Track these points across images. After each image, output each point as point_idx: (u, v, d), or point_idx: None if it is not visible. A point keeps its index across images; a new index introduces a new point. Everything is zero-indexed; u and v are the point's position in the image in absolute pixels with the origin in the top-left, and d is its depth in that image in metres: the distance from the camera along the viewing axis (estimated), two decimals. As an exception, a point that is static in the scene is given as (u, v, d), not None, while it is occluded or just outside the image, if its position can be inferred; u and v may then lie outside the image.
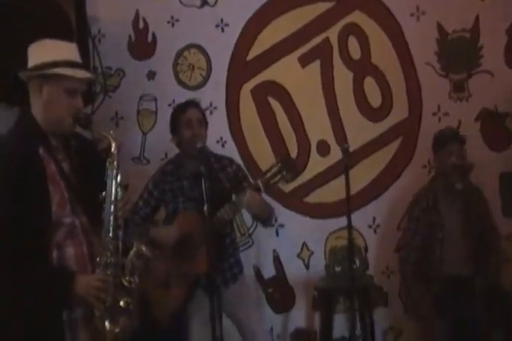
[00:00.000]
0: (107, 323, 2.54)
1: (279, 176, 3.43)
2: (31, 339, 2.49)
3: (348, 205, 3.36)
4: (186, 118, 3.63)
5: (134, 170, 4.38)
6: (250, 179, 3.69)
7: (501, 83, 4.15)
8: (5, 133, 2.63)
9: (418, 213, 3.94)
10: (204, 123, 3.69)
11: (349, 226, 3.36)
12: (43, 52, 2.58)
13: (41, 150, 2.55)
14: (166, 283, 3.61)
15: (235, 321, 3.75)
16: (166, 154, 4.22)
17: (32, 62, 2.58)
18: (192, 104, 3.74)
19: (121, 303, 2.57)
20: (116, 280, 2.55)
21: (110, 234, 2.56)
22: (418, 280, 3.90)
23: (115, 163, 2.58)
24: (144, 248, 2.64)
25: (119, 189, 2.60)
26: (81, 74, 2.59)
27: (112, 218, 2.56)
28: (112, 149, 2.58)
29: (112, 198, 2.57)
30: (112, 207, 2.57)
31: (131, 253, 2.60)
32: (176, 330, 3.71)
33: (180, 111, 3.69)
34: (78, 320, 2.54)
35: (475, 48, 4.18)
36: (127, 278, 2.58)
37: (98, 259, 2.55)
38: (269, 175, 3.43)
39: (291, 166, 3.52)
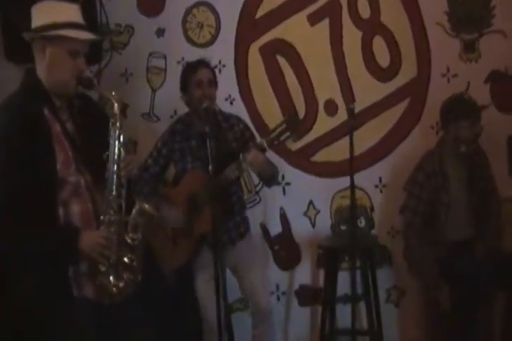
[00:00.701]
0: (111, 278, 2.64)
1: (283, 136, 3.47)
2: (40, 293, 2.60)
3: (352, 166, 3.40)
4: (197, 79, 3.64)
5: (143, 126, 4.46)
6: (256, 138, 3.72)
7: (513, 44, 4.10)
8: (11, 93, 2.66)
9: (423, 178, 3.94)
10: (214, 83, 3.71)
11: (352, 187, 3.41)
12: (45, 13, 2.61)
13: (46, 111, 2.60)
14: (173, 239, 3.69)
15: (238, 278, 3.84)
16: (176, 111, 4.26)
17: (35, 23, 2.61)
18: (203, 63, 3.75)
19: (125, 259, 2.65)
20: (119, 238, 2.63)
21: (113, 193, 2.63)
22: (422, 244, 3.92)
23: (118, 123, 2.64)
24: (146, 205, 2.70)
25: (122, 149, 2.64)
26: (84, 35, 2.62)
27: (115, 177, 2.63)
28: (115, 109, 2.63)
29: (115, 157, 2.62)
30: (115, 166, 2.62)
31: (134, 210, 2.67)
32: (182, 284, 3.81)
33: (191, 70, 3.70)
34: (84, 275, 2.63)
35: (487, 8, 4.11)
36: (130, 235, 2.66)
37: (102, 217, 2.62)
38: (273, 134, 3.48)
39: (296, 126, 3.58)
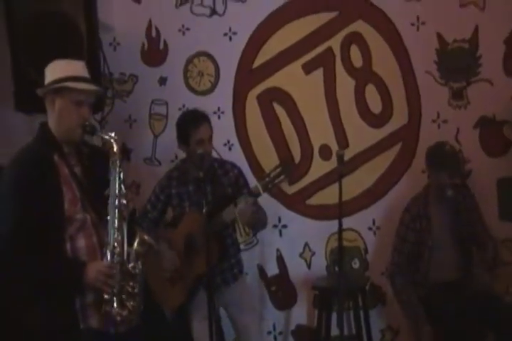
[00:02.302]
0: (115, 306, 2.81)
1: (278, 179, 3.58)
2: (47, 325, 2.82)
3: (340, 210, 3.48)
4: (199, 137, 3.72)
5: (146, 170, 4.63)
6: (250, 184, 3.84)
7: (499, 91, 4.23)
8: (27, 143, 2.99)
9: (408, 221, 4.05)
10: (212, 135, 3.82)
11: (340, 230, 3.48)
12: (55, 70, 2.92)
13: (56, 157, 2.89)
14: (171, 280, 3.81)
15: (231, 319, 3.95)
16: (176, 156, 4.42)
17: (46, 80, 2.93)
18: (204, 118, 3.80)
19: (128, 288, 2.85)
20: (122, 267, 2.83)
21: (115, 226, 2.84)
22: (405, 284, 4.01)
23: (117, 161, 2.88)
24: (146, 236, 2.92)
25: (122, 185, 2.88)
26: (85, 86, 2.92)
27: (116, 211, 2.84)
28: (114, 149, 2.87)
29: (116, 192, 2.85)
30: (116, 200, 2.85)
31: (135, 241, 2.89)
32: (180, 324, 3.91)
33: (192, 125, 3.74)
34: (90, 306, 2.83)
35: (474, 58, 4.26)
36: (132, 264, 2.86)
37: (104, 249, 2.84)
38: (268, 179, 3.59)
39: (290, 170, 3.71)
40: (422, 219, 4.02)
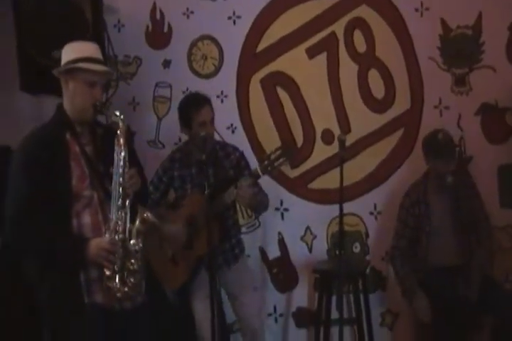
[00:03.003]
0: (116, 282, 2.89)
1: (278, 162, 3.59)
2: (53, 297, 2.91)
3: (341, 195, 3.52)
4: (201, 120, 3.75)
5: (149, 153, 4.64)
6: (251, 167, 3.86)
7: (502, 78, 4.23)
8: (43, 123, 3.10)
9: (408, 206, 4.09)
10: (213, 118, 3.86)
11: (341, 215, 3.52)
12: (69, 52, 3.00)
13: (68, 135, 2.98)
14: (173, 261, 3.86)
15: (230, 299, 4.01)
16: (180, 139, 4.45)
17: (62, 61, 3.01)
18: (205, 101, 3.83)
19: (129, 265, 2.91)
20: (123, 244, 2.91)
21: (119, 203, 2.91)
22: (405, 266, 4.06)
23: (121, 140, 2.94)
24: (148, 214, 2.97)
25: (126, 163, 2.94)
26: (97, 67, 2.97)
27: (120, 188, 2.92)
28: (120, 128, 2.95)
29: (120, 170, 2.92)
30: (120, 178, 2.92)
31: (137, 219, 2.94)
32: (181, 303, 3.98)
33: (193, 108, 3.77)
34: (94, 281, 2.92)
35: (477, 44, 4.26)
36: (133, 242, 2.93)
37: (107, 225, 2.91)
38: (268, 161, 3.61)
39: (290, 152, 3.72)
40: (420, 204, 4.06)
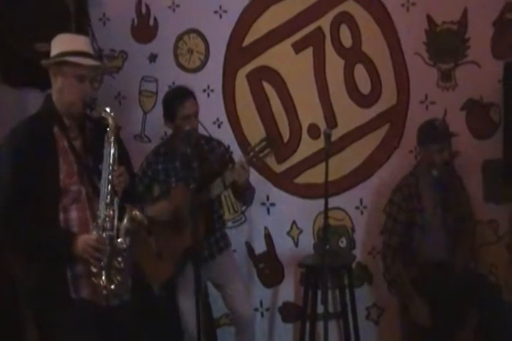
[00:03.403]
0: (103, 280, 2.87)
1: (263, 153, 3.63)
2: (39, 291, 2.90)
3: (326, 189, 3.50)
4: (185, 113, 3.77)
5: (135, 147, 4.55)
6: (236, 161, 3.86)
7: (487, 74, 4.25)
8: (31, 115, 3.07)
9: (399, 201, 4.08)
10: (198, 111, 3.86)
11: (326, 209, 3.51)
12: (59, 44, 2.98)
13: (56, 129, 2.96)
14: (159, 255, 3.86)
15: (219, 289, 4.03)
16: (166, 133, 4.42)
17: (52, 53, 2.98)
18: (189, 95, 3.85)
19: (115, 262, 2.91)
20: (111, 242, 2.90)
21: (107, 200, 2.91)
22: (396, 263, 4.06)
23: (112, 137, 2.94)
24: (137, 212, 2.97)
25: (115, 160, 2.93)
26: (86, 61, 2.95)
27: (108, 186, 2.91)
28: (109, 125, 2.95)
29: (109, 168, 2.92)
30: (109, 175, 2.91)
31: (125, 217, 2.93)
32: (167, 298, 3.98)
33: (177, 101, 3.79)
34: (81, 277, 2.91)
35: (462, 40, 4.28)
36: (120, 239, 2.92)
37: (95, 223, 2.90)
38: (252, 153, 3.64)
39: (275, 143, 3.76)
40: (413, 199, 4.07)
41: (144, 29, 4.57)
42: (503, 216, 4.34)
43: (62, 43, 2.96)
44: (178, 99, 3.80)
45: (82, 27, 3.80)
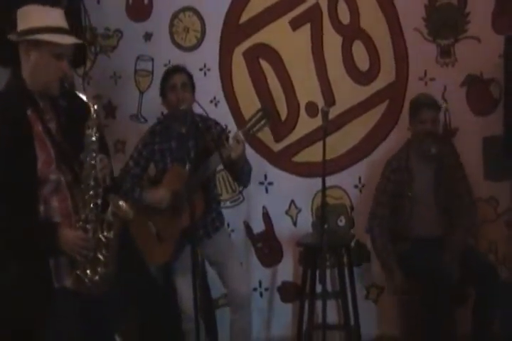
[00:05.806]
0: (87, 271, 2.75)
1: (258, 125, 3.61)
2: (20, 281, 2.69)
3: (324, 168, 3.50)
4: (171, 83, 3.79)
5: (132, 127, 4.57)
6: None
7: (487, 49, 4.22)
8: None
9: (388, 173, 4.08)
10: (190, 86, 3.83)
11: (323, 188, 3.51)
12: (30, 17, 2.67)
13: (29, 112, 2.68)
14: (158, 236, 3.83)
15: (216, 268, 3.99)
16: (162, 113, 4.35)
17: (20, 26, 2.69)
18: (177, 69, 3.89)
19: (99, 256, 2.75)
20: (95, 236, 2.73)
21: (91, 192, 2.71)
22: (383, 234, 4.06)
23: (94, 128, 2.71)
24: (121, 202, 2.76)
25: (98, 151, 2.71)
26: (65, 40, 2.69)
27: (92, 178, 2.70)
28: (91, 113, 2.71)
29: (92, 161, 2.70)
30: (92, 167, 2.69)
31: (109, 209, 2.75)
32: (164, 278, 3.97)
33: (166, 76, 3.85)
34: (64, 266, 2.75)
35: (462, 14, 4.24)
36: (105, 233, 2.75)
37: (79, 215, 2.72)
38: (248, 125, 3.62)
39: (270, 115, 3.71)
40: (402, 171, 4.06)
41: (139, 7, 4.49)
42: (503, 193, 4.32)
43: (33, 17, 2.66)
44: (167, 73, 3.86)
45: (73, 4, 3.70)
